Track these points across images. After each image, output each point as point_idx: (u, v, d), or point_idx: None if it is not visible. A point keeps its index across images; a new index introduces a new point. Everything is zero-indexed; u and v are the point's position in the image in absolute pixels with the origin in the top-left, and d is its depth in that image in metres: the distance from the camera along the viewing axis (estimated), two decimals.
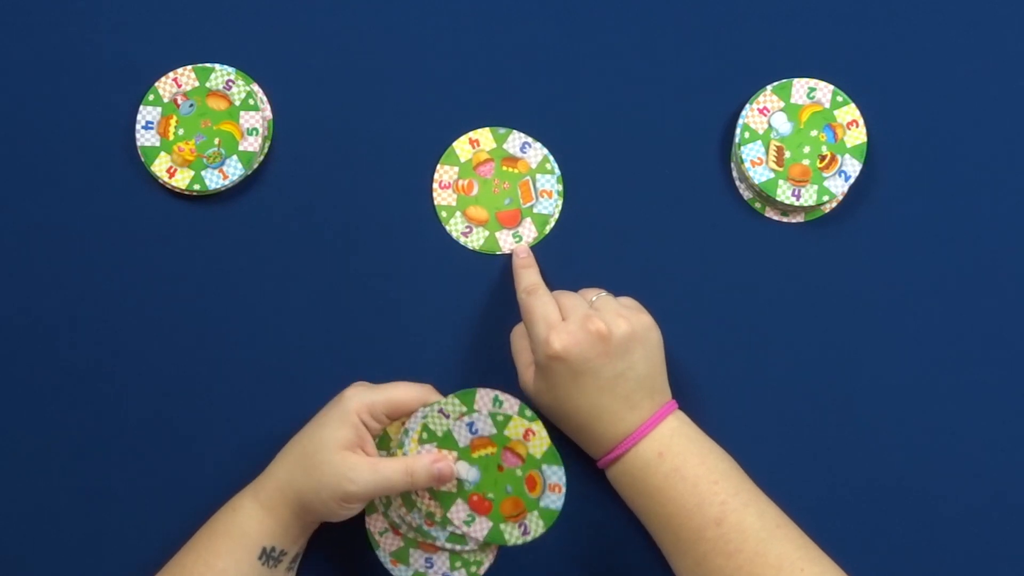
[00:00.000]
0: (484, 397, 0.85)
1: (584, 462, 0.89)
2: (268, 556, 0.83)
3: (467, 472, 0.85)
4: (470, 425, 0.84)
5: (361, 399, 0.84)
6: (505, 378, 0.91)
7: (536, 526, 0.85)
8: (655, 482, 0.82)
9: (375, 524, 0.88)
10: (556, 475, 0.85)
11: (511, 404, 0.85)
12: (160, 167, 0.93)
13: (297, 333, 0.92)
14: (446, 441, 0.84)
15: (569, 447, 0.88)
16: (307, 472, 0.82)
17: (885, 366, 0.91)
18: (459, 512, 0.85)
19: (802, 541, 0.81)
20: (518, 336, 0.89)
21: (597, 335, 0.83)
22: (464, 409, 0.85)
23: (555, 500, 0.85)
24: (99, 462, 0.91)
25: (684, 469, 0.82)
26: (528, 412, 0.85)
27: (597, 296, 0.87)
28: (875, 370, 0.91)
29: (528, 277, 0.89)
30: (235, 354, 0.92)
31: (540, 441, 0.85)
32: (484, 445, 0.85)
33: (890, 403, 0.91)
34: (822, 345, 0.91)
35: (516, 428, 0.85)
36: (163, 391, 0.92)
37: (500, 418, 0.84)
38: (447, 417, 0.84)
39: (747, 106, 0.92)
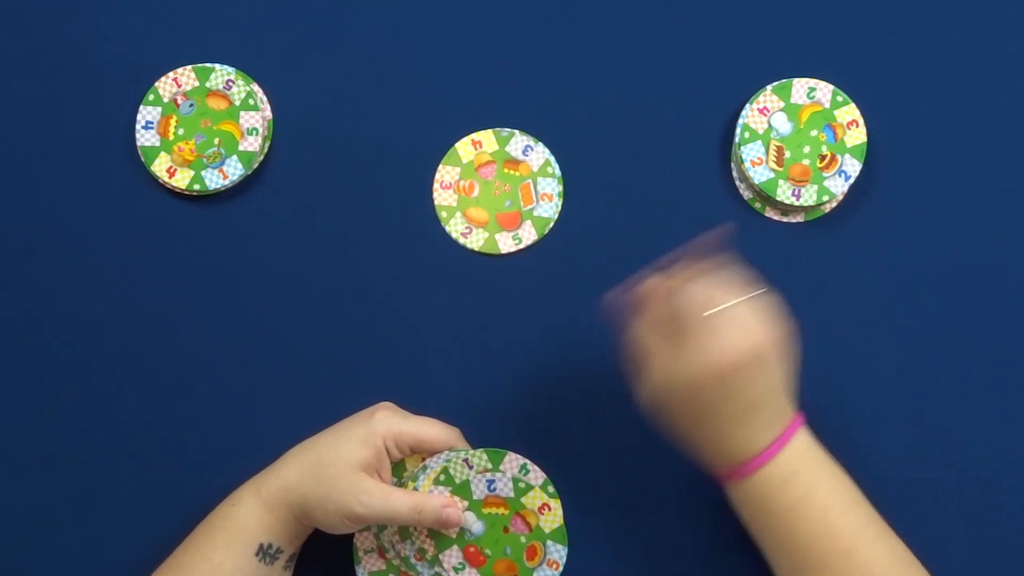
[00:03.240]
0: (513, 462, 0.85)
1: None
2: (265, 553, 0.83)
3: (473, 523, 0.85)
4: (490, 482, 0.84)
5: (390, 425, 0.84)
6: (501, 379, 0.91)
7: None
8: (785, 504, 0.78)
9: (363, 541, 0.88)
10: (558, 553, 0.85)
11: (537, 476, 0.85)
12: (160, 167, 0.93)
13: (296, 333, 0.92)
14: (461, 489, 0.84)
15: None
16: (318, 481, 0.82)
17: (885, 365, 0.91)
18: (451, 557, 0.85)
19: None
20: (646, 333, 0.81)
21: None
22: (489, 466, 0.85)
23: (550, 575, 0.85)
24: (99, 461, 0.91)
25: (814, 496, 0.78)
26: (551, 488, 0.85)
27: (729, 303, 0.79)
28: (875, 369, 0.91)
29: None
30: (235, 354, 0.92)
31: (554, 518, 0.85)
32: (497, 504, 0.85)
33: (889, 402, 0.91)
34: (822, 345, 0.91)
35: (534, 499, 0.85)
36: (163, 391, 0.92)
37: (522, 485, 0.84)
38: (470, 468, 0.84)
39: (747, 106, 0.92)
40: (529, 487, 0.85)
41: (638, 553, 0.89)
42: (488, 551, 0.85)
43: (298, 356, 0.92)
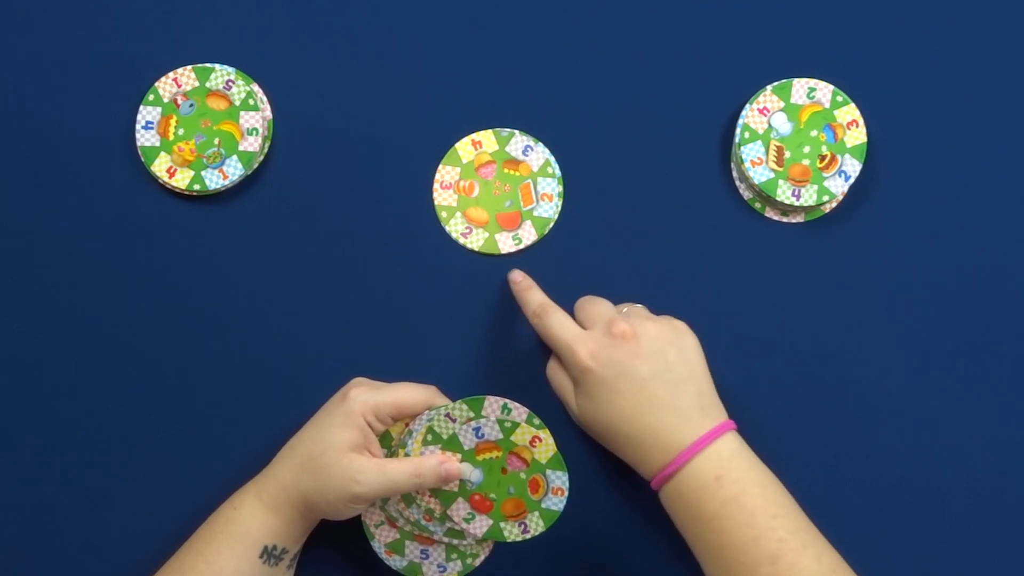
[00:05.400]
0: (493, 404, 0.85)
1: (589, 470, 0.90)
2: (269, 554, 0.83)
3: (471, 473, 0.85)
4: (476, 430, 0.84)
5: (366, 401, 0.84)
6: (502, 376, 0.92)
7: (536, 525, 0.85)
8: (711, 508, 0.79)
9: (371, 517, 0.88)
10: (560, 479, 0.85)
11: (520, 412, 0.85)
12: (160, 167, 0.93)
13: (297, 332, 0.92)
14: (451, 444, 0.84)
15: (575, 453, 0.88)
16: (313, 474, 0.82)
17: (885, 366, 0.91)
18: (459, 510, 0.85)
19: None
20: (554, 369, 0.87)
21: (622, 336, 0.82)
22: (472, 415, 0.85)
23: (557, 502, 0.85)
24: (99, 462, 0.92)
25: (743, 498, 0.78)
26: (536, 420, 0.85)
27: (629, 308, 0.87)
28: (875, 370, 0.91)
29: (533, 299, 0.88)
30: (235, 354, 0.92)
31: (547, 448, 0.85)
32: (489, 449, 0.85)
33: (890, 402, 0.91)
34: (822, 345, 0.91)
35: (523, 435, 0.85)
36: (163, 391, 0.92)
37: (508, 424, 0.84)
38: (454, 421, 0.84)
39: (747, 106, 0.92)
40: (515, 424, 0.85)
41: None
42: (492, 495, 0.85)
43: (298, 356, 0.92)
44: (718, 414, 0.83)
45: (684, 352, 0.83)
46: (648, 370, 0.81)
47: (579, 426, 0.87)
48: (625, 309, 0.87)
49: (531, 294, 0.88)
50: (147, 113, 0.93)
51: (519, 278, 0.89)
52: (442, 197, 0.93)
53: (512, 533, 0.85)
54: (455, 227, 0.93)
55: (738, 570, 0.77)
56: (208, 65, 0.94)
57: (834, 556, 0.79)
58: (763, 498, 0.79)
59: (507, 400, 0.85)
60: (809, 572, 0.76)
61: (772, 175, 0.91)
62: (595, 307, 0.86)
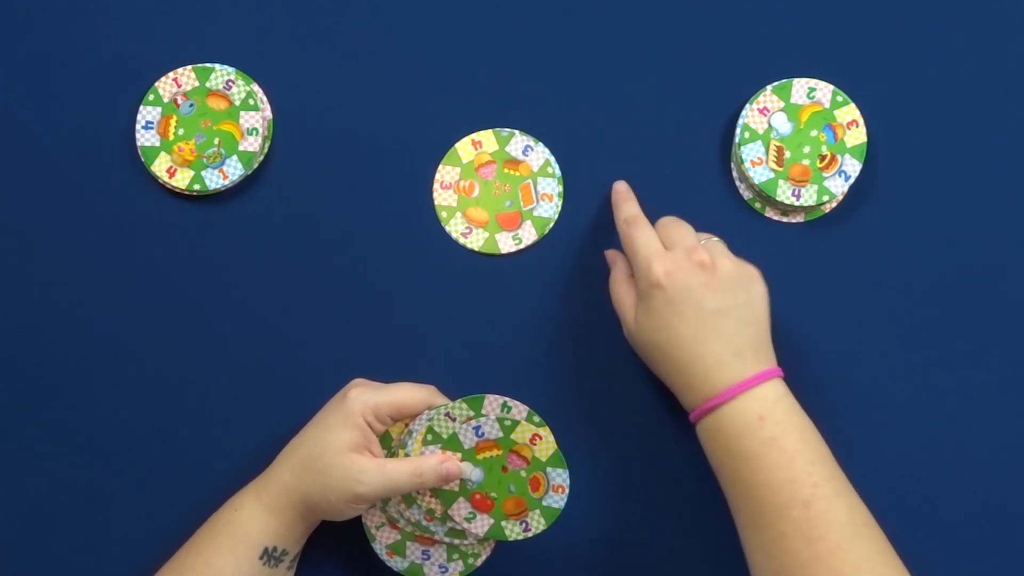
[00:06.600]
0: (493, 403, 0.85)
1: (589, 467, 0.90)
2: (270, 556, 0.83)
3: (471, 472, 0.85)
4: (476, 429, 0.84)
5: (366, 401, 0.84)
6: (502, 376, 0.91)
7: (537, 523, 0.85)
8: (750, 446, 0.80)
9: (372, 518, 0.88)
10: (560, 477, 0.85)
11: (519, 410, 0.85)
12: (160, 167, 0.93)
13: (296, 333, 0.92)
14: (451, 443, 0.84)
15: (575, 450, 0.88)
16: (314, 475, 0.82)
17: (885, 366, 0.91)
18: (460, 509, 0.85)
19: (885, 546, 0.78)
20: (617, 282, 0.89)
21: (700, 264, 0.83)
22: (471, 414, 0.85)
23: (558, 500, 0.85)
24: (99, 462, 0.92)
25: (783, 440, 0.79)
26: (536, 418, 0.85)
27: (708, 239, 0.87)
28: (875, 369, 0.91)
29: (628, 208, 0.89)
30: (235, 354, 0.92)
31: (547, 445, 0.85)
32: (489, 448, 0.85)
33: (890, 403, 0.91)
34: (821, 345, 0.91)
35: (523, 433, 0.85)
36: (163, 391, 0.92)
37: (508, 423, 0.84)
38: (453, 421, 0.84)
39: (747, 106, 0.92)
40: (515, 423, 0.85)
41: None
42: (493, 494, 0.85)
43: (298, 356, 0.92)
44: (770, 360, 0.84)
45: (752, 296, 0.84)
46: (715, 303, 0.82)
47: (630, 342, 0.87)
48: (704, 240, 0.87)
49: (627, 204, 0.90)
50: (147, 113, 0.93)
51: (622, 188, 0.91)
52: (442, 197, 0.93)
53: (513, 532, 0.85)
54: (455, 227, 0.93)
55: (769, 509, 0.78)
56: (208, 65, 0.94)
57: (865, 511, 0.79)
58: (802, 443, 0.80)
59: (507, 398, 0.85)
60: (839, 520, 0.77)
61: (772, 175, 0.91)
62: (678, 230, 0.87)
